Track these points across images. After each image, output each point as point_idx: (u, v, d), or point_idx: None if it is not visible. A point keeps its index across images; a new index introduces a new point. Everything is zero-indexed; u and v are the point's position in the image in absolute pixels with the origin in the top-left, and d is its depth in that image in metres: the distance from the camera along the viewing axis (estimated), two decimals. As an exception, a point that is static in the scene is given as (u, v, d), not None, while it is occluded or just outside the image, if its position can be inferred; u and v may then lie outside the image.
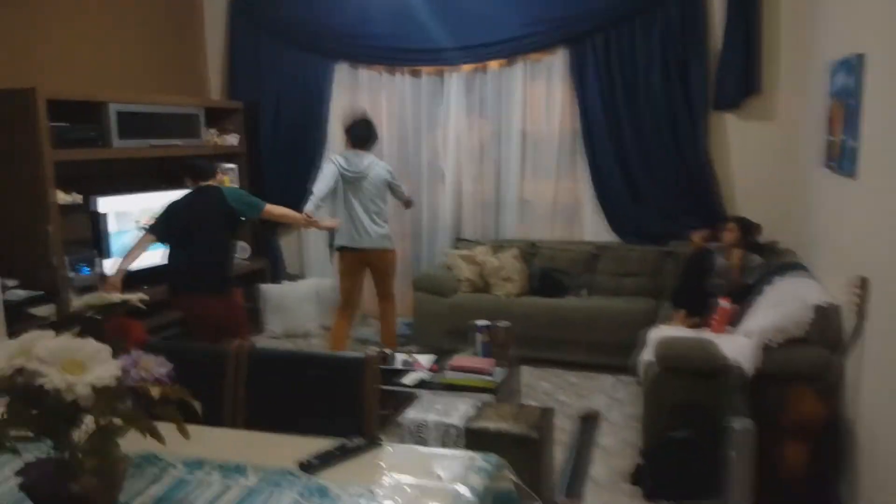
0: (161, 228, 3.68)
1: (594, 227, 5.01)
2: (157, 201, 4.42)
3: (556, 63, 4.95)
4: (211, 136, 5.13)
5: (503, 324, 3.59)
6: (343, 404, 1.78)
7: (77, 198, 3.99)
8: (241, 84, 5.64)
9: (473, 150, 5.24)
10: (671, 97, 4.65)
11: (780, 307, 3.13)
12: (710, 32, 4.55)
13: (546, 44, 4.90)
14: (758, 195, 4.59)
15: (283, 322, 5.25)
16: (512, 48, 4.96)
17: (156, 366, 1.32)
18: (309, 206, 4.20)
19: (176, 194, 3.90)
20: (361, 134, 4.32)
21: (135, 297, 1.43)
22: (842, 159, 3.02)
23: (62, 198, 3.86)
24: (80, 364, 1.21)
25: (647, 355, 3.43)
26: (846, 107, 2.98)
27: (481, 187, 5.27)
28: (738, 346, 2.98)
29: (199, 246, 3.62)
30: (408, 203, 4.64)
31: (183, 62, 5.51)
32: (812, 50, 4.09)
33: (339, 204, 4.31)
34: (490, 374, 3.29)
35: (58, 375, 1.17)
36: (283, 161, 5.57)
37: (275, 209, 3.94)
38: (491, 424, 2.59)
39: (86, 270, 3.98)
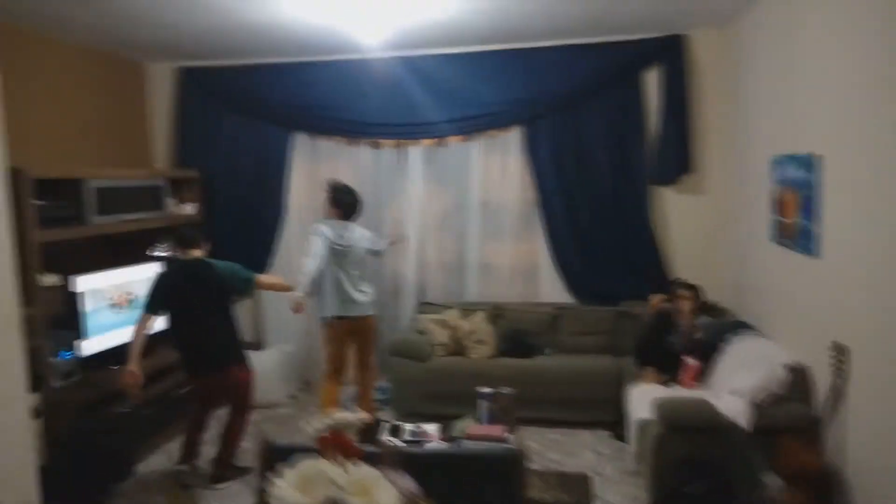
0: (158, 304, 3.58)
1: (550, 289, 5.38)
2: (125, 277, 4.30)
3: (511, 139, 5.33)
4: (171, 207, 5.01)
5: (507, 390, 3.79)
6: (499, 492, 1.93)
7: (55, 279, 3.79)
8: (189, 152, 5.57)
9: (435, 217, 5.48)
10: (615, 172, 5.16)
11: (754, 367, 3.59)
12: (648, 117, 5.13)
13: (502, 123, 5.27)
14: (694, 259, 5.18)
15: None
16: (470, 126, 5.29)
17: (407, 483, 1.43)
18: (300, 291, 4.16)
19: (142, 268, 3.83)
20: (350, 203, 4.42)
21: (368, 417, 1.53)
22: (799, 239, 3.56)
23: (45, 280, 3.66)
24: (367, 489, 1.32)
25: (638, 413, 3.79)
26: (802, 196, 3.53)
27: (443, 253, 5.50)
28: (730, 404, 3.39)
29: (206, 321, 3.57)
30: (399, 241, 5.04)
31: (127, 131, 5.36)
32: (745, 141, 4.69)
33: (324, 274, 4.33)
34: (506, 442, 3.48)
35: (361, 502, 1.27)
36: (239, 230, 5.52)
37: (265, 279, 3.93)
38: (548, 496, 2.79)
39: (66, 354, 3.75)
